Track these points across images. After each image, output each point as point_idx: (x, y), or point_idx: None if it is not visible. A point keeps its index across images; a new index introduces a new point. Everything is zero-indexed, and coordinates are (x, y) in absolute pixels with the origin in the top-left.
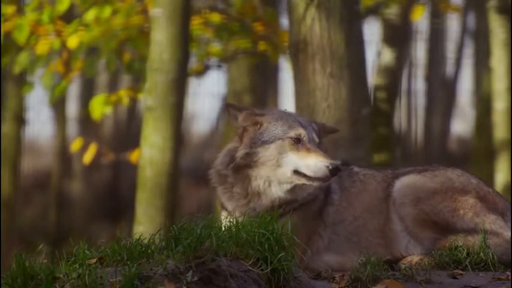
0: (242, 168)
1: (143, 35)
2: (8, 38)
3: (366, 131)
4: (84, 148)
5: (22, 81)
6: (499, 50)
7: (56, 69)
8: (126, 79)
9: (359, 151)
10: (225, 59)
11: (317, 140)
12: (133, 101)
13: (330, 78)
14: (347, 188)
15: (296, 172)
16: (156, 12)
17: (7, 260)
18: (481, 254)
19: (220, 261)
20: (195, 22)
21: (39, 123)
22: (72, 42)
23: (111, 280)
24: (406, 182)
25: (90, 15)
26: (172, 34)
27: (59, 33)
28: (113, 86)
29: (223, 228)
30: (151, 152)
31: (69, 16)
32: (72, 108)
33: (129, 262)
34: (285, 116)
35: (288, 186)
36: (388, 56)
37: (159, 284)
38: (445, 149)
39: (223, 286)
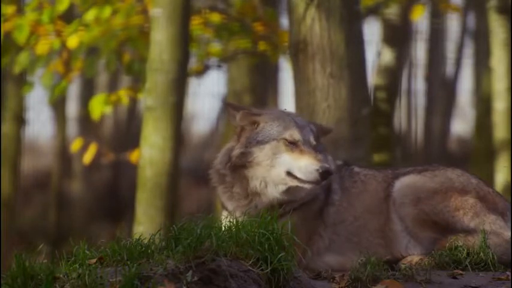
0: (239, 167)
1: (143, 35)
2: (8, 38)
3: (366, 131)
4: (84, 148)
5: (22, 81)
6: (499, 50)
7: (56, 69)
8: (126, 79)
9: (359, 151)
10: (225, 59)
11: (313, 141)
12: (133, 101)
13: (330, 78)
14: (348, 188)
15: (289, 174)
16: (156, 12)
17: (7, 260)
18: (481, 254)
19: (220, 261)
20: (195, 22)
21: (39, 123)
22: (72, 42)
23: (111, 280)
24: (406, 182)
25: (90, 15)
26: (172, 34)
27: (59, 33)
28: (112, 86)
29: (223, 228)
30: (151, 152)
31: (69, 16)
32: (72, 108)
33: (129, 262)
34: (282, 116)
35: (283, 187)
36: (388, 56)
37: (159, 284)
38: (445, 149)
39: (223, 286)
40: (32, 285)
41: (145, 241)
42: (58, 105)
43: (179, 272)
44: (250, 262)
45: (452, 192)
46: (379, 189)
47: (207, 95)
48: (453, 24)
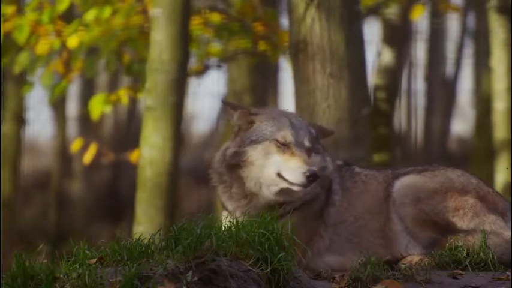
0: (234, 167)
1: (143, 35)
2: (8, 38)
3: (366, 131)
4: (84, 148)
5: (22, 81)
6: (499, 50)
7: (55, 69)
8: (126, 79)
9: (359, 151)
10: (225, 59)
11: (307, 144)
12: (133, 101)
13: (330, 78)
14: (348, 188)
15: (279, 175)
16: (156, 12)
17: (7, 260)
18: (481, 254)
19: (220, 261)
20: (195, 22)
21: (39, 123)
22: (72, 42)
23: (111, 280)
24: (406, 182)
25: (90, 15)
26: (172, 34)
27: (59, 33)
28: (112, 86)
29: (223, 228)
30: (151, 152)
31: (69, 16)
32: (72, 108)
33: (129, 262)
34: (278, 116)
35: (276, 189)
36: (388, 56)
37: (159, 284)
38: (445, 149)
39: (223, 286)
40: (32, 285)
41: (145, 241)
42: (58, 105)
43: (179, 272)
44: (250, 262)
45: (452, 192)
46: (379, 189)
47: (207, 95)
48: (453, 24)
